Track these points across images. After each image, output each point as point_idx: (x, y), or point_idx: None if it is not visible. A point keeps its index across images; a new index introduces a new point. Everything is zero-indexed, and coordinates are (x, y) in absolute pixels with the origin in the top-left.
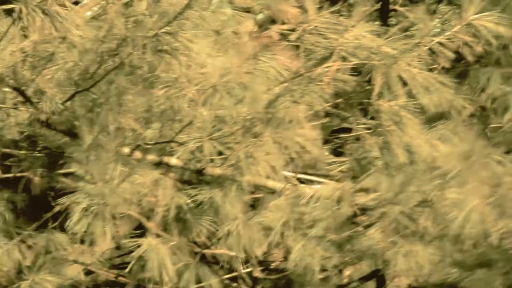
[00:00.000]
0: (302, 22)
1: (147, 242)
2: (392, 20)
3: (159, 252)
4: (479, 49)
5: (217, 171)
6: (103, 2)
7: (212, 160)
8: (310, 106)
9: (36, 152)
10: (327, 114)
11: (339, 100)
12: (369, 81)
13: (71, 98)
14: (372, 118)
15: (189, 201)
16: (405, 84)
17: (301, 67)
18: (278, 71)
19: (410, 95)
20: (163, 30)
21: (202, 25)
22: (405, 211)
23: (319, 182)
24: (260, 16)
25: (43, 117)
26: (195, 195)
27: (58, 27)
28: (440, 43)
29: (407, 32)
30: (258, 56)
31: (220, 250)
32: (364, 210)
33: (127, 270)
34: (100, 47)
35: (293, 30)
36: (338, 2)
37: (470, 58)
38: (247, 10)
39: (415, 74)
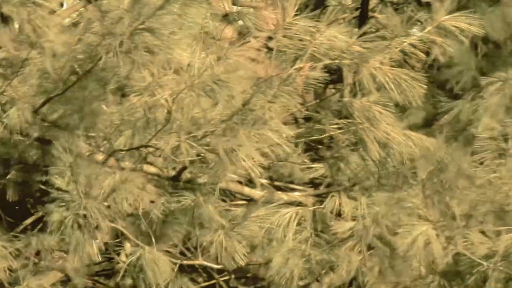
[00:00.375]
0: (280, 26)
1: (128, 250)
2: (371, 28)
3: (143, 260)
4: (449, 49)
5: (193, 176)
6: (82, 9)
7: (188, 165)
8: (285, 106)
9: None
10: (305, 119)
11: (313, 102)
12: (341, 81)
13: (43, 105)
14: (346, 118)
15: (167, 207)
16: (379, 83)
17: (276, 68)
18: (253, 71)
19: (385, 92)
20: (141, 26)
21: (181, 22)
22: (376, 231)
23: (295, 189)
24: (240, 23)
25: (16, 125)
26: (175, 201)
27: (34, 31)
28: (412, 45)
29: (381, 34)
30: (233, 56)
31: (199, 261)
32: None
33: (119, 279)
34: (75, 50)
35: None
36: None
37: (441, 58)
38: (226, 16)
39: (386, 71)
